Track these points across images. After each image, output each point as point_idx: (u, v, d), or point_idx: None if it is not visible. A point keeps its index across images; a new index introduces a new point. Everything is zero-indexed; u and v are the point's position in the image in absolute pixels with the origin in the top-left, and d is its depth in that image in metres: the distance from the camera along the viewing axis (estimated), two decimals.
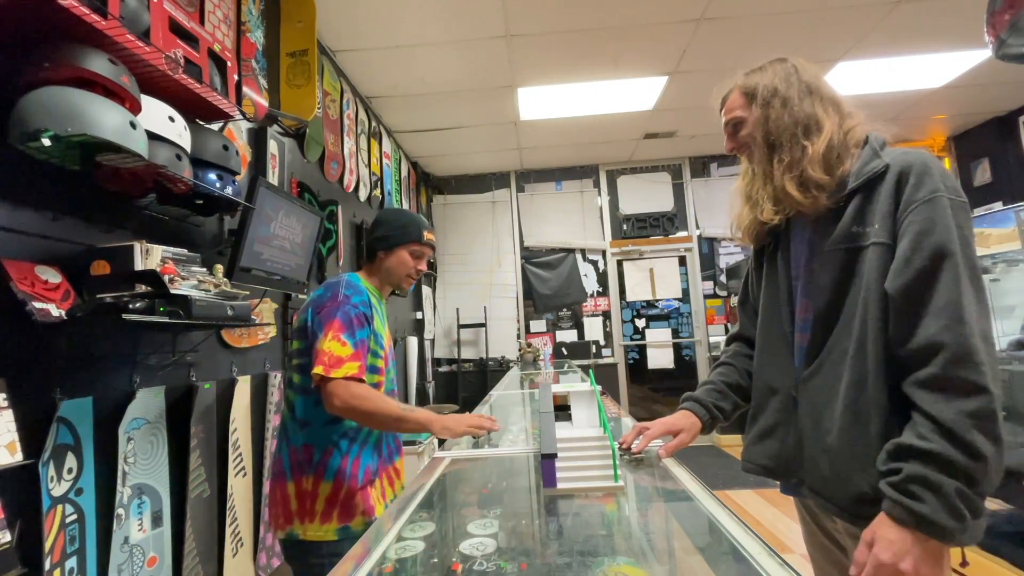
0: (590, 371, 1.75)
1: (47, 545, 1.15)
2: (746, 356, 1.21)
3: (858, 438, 0.87)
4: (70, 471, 1.24)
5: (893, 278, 0.84)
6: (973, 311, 0.79)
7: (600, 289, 5.42)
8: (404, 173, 4.64)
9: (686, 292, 5.45)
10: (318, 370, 1.22)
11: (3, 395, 1.08)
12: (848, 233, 0.92)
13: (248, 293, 1.61)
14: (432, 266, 5.38)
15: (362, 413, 1.24)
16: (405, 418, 1.28)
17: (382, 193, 3.91)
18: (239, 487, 1.88)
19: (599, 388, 1.33)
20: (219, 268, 1.58)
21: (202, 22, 1.82)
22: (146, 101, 1.32)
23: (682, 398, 1.22)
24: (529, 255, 5.44)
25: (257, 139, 2.28)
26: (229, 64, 1.72)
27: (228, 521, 1.80)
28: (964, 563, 2.36)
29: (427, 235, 1.50)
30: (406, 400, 4.37)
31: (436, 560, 0.74)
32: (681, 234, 5.45)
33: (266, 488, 2.04)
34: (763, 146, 1.00)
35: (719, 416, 1.18)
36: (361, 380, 1.26)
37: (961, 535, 0.74)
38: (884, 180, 0.89)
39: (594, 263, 5.45)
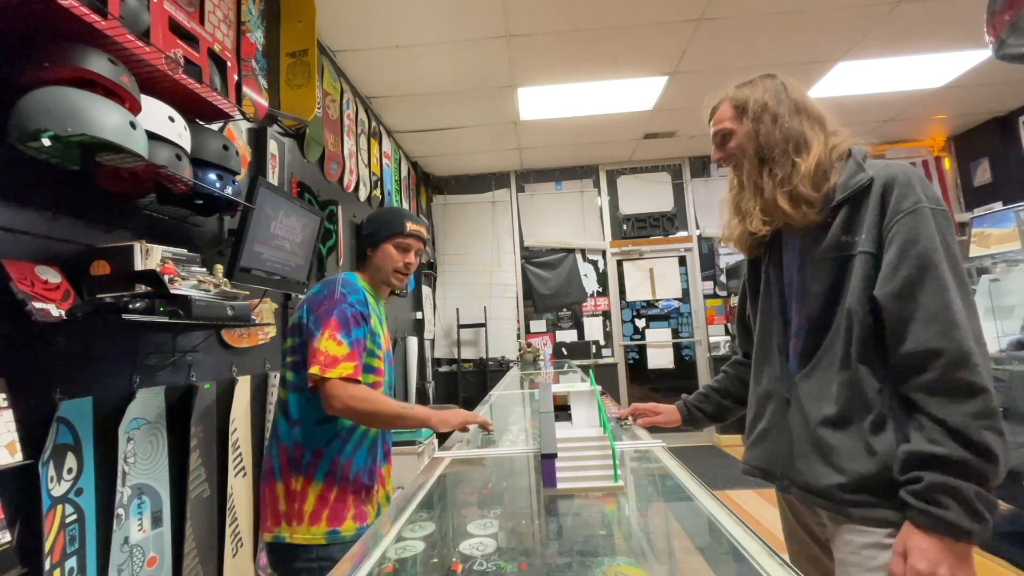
0: (590, 371, 1.75)
1: (47, 545, 1.15)
2: (741, 364, 1.30)
3: (848, 435, 0.91)
4: (70, 471, 1.24)
5: (882, 285, 0.88)
6: (963, 314, 0.82)
7: (600, 289, 5.42)
8: (404, 173, 4.63)
9: (686, 292, 5.45)
10: (314, 370, 1.23)
11: (3, 395, 1.08)
12: (838, 243, 0.95)
13: (248, 293, 1.61)
14: (432, 266, 5.37)
15: (362, 413, 1.25)
16: (405, 415, 1.30)
17: (382, 193, 3.91)
18: (239, 487, 1.88)
19: (599, 388, 1.33)
20: (219, 268, 1.58)
21: (202, 22, 1.82)
22: (146, 101, 1.32)
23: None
24: (529, 255, 5.44)
25: (257, 139, 2.27)
26: (229, 64, 1.72)
27: (228, 521, 1.79)
28: None
29: (411, 226, 1.47)
30: (407, 400, 4.37)
31: (436, 560, 0.74)
32: (681, 234, 5.45)
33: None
34: (754, 160, 1.03)
35: (699, 416, 1.34)
36: (357, 380, 1.26)
37: (985, 534, 0.77)
38: (870, 192, 0.93)
39: (594, 263, 5.45)
